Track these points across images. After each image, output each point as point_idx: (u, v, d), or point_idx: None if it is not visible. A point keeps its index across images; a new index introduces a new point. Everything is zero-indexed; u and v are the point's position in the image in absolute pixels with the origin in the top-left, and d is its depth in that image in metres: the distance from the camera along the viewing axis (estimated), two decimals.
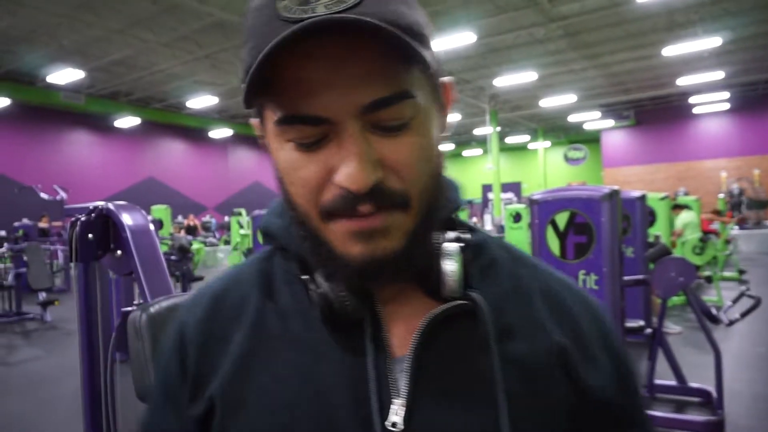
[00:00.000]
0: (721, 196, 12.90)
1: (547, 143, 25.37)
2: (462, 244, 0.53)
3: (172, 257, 7.82)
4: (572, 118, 21.04)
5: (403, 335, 0.53)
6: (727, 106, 18.47)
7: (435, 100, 0.51)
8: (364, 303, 0.52)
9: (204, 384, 0.55)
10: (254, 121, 0.57)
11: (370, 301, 0.53)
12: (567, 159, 23.44)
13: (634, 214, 5.28)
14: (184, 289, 8.20)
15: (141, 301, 1.78)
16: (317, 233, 0.50)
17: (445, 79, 0.55)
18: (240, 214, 15.63)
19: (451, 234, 0.54)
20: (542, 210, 3.35)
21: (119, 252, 1.75)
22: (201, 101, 15.96)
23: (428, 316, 0.51)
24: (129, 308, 1.61)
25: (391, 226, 0.48)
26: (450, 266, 0.52)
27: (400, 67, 0.45)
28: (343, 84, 0.44)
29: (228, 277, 0.63)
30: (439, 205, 0.53)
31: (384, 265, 0.48)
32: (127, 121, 16.92)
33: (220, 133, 19.81)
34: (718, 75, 14.61)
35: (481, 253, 0.58)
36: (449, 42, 10.73)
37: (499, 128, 19.48)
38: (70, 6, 9.42)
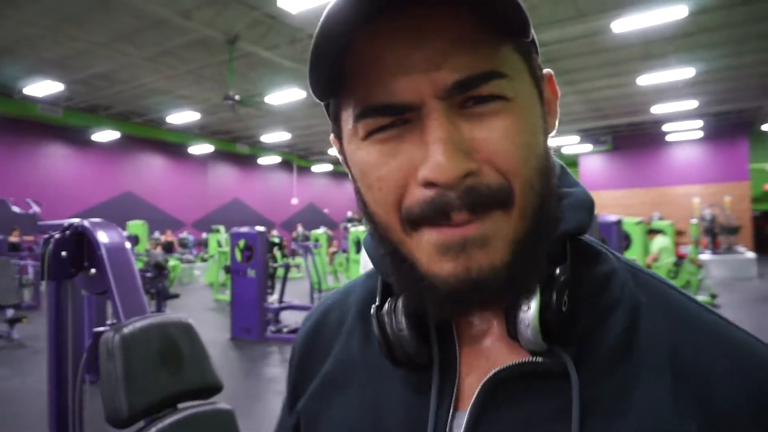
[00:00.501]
0: (694, 221, 13.21)
1: None
2: (562, 277, 0.42)
3: (148, 274, 7.68)
4: (551, 142, 21.37)
5: (474, 386, 0.44)
6: (700, 134, 19.05)
7: (535, 86, 0.44)
8: (432, 345, 0.46)
9: (298, 397, 0.56)
10: (332, 139, 0.50)
11: (446, 338, 0.47)
12: None
13: (610, 238, 5.38)
14: (159, 307, 8.04)
15: (114, 320, 1.74)
16: (399, 248, 0.42)
17: (547, 70, 0.48)
18: (218, 231, 15.47)
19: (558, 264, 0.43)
20: None
21: (93, 270, 1.72)
22: (182, 116, 15.86)
23: (492, 374, 0.43)
24: (101, 328, 1.57)
25: (489, 235, 0.39)
26: (527, 310, 0.41)
27: (491, 43, 0.39)
28: (423, 61, 0.38)
29: (343, 289, 0.61)
30: (552, 215, 0.43)
31: (481, 288, 0.39)
32: (106, 135, 16.70)
33: (201, 149, 19.67)
34: (692, 104, 15.10)
35: (601, 292, 0.44)
36: None
37: None
38: (55, 19, 9.35)
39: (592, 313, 0.43)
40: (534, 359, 0.41)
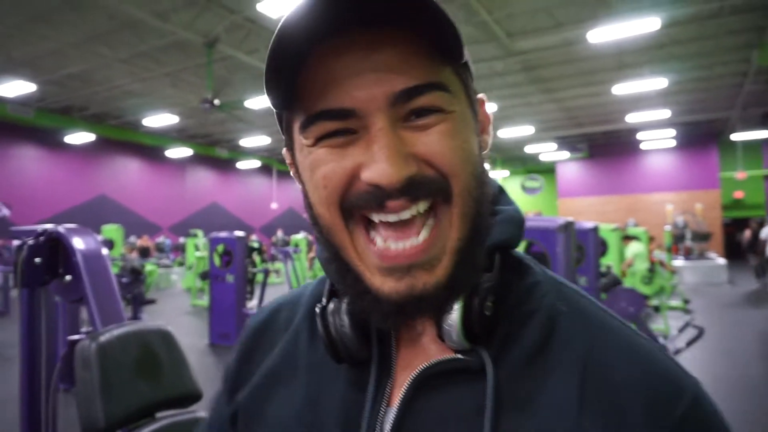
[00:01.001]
0: (668, 228, 13.49)
1: (506, 172, 26.03)
2: (486, 284, 0.45)
3: (123, 279, 7.53)
4: (529, 149, 21.70)
5: (404, 384, 0.47)
6: (672, 143, 19.51)
7: (470, 106, 0.48)
8: (371, 345, 0.49)
9: (238, 389, 0.58)
10: (284, 153, 0.52)
11: (384, 340, 0.50)
12: (524, 188, 24.07)
13: (587, 245, 5.45)
14: (135, 313, 7.88)
15: (90, 328, 1.70)
16: (342, 254, 0.45)
17: (480, 94, 0.52)
18: (196, 235, 15.27)
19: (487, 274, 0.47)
20: None
21: (69, 277, 1.67)
22: (159, 119, 15.63)
23: (419, 371, 0.46)
24: (76, 336, 1.54)
25: (435, 255, 0.43)
26: (452, 313, 0.45)
27: (433, 61, 0.42)
28: (372, 72, 0.41)
29: (297, 291, 0.63)
30: (486, 223, 0.47)
31: (424, 302, 0.43)
32: (80, 137, 16.35)
33: (178, 152, 19.40)
34: (665, 113, 15.45)
35: (524, 301, 0.48)
36: None
37: None
38: (24, 17, 9.13)
39: (514, 319, 0.47)
40: (456, 357, 0.45)
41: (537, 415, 0.42)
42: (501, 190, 0.55)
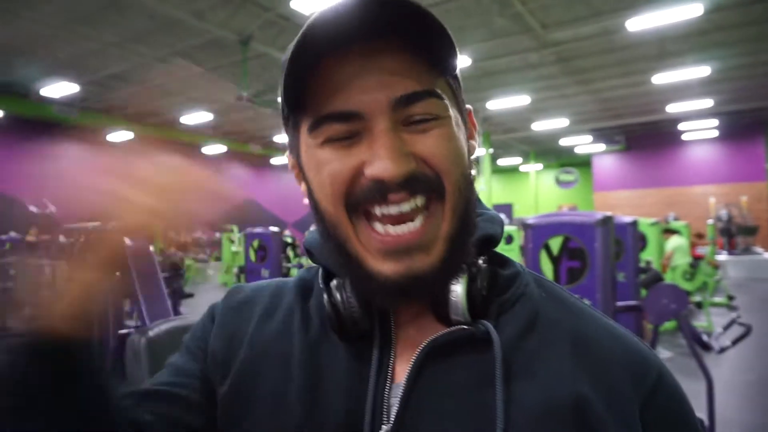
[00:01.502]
0: (710, 222, 13.05)
1: (539, 166, 25.61)
2: (482, 267, 0.51)
3: (164, 274, 7.76)
4: (564, 142, 21.28)
5: (408, 360, 0.50)
6: (715, 133, 18.80)
7: (459, 113, 0.53)
8: (374, 321, 0.52)
9: (228, 369, 0.58)
10: (287, 156, 0.58)
11: (385, 321, 0.53)
12: (558, 182, 23.63)
13: (626, 240, 5.32)
14: (174, 307, 8.11)
15: (138, 323, 1.76)
16: (346, 245, 0.49)
17: (467, 106, 0.57)
18: (231, 230, 15.56)
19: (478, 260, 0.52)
20: (536, 234, 3.38)
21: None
22: (195, 117, 15.98)
23: (428, 342, 0.49)
24: (125, 330, 1.59)
25: (430, 239, 0.47)
26: (456, 288, 0.49)
27: (429, 70, 0.47)
28: (375, 78, 0.45)
29: (274, 282, 0.66)
30: (473, 219, 0.52)
31: (421, 282, 0.47)
32: (120, 136, 16.87)
33: (214, 149, 19.80)
34: (707, 103, 14.91)
35: (509, 286, 0.54)
36: None
37: (491, 150, 19.64)
38: (69, 19, 9.46)
39: (504, 300, 0.53)
40: (462, 327, 0.49)
41: (539, 382, 0.47)
42: (477, 197, 0.59)
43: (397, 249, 0.46)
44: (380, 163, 0.45)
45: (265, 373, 0.55)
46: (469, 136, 0.55)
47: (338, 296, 0.52)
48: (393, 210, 0.47)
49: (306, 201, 0.55)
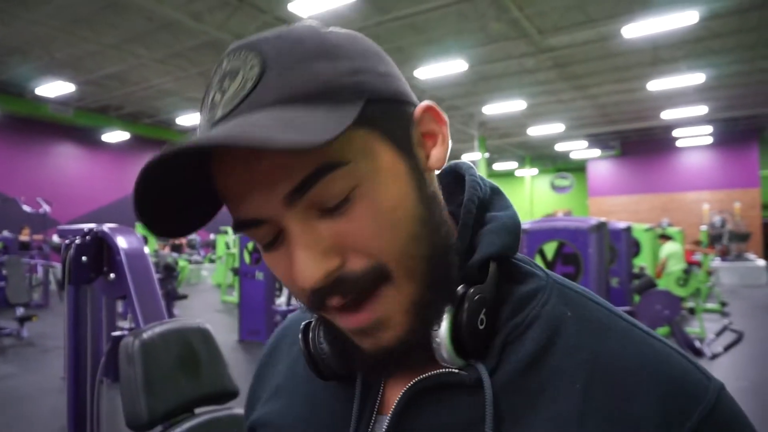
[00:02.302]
0: (704, 228, 13.13)
1: (535, 171, 25.69)
2: (475, 297, 0.44)
3: (157, 275, 7.73)
4: (559, 147, 21.36)
5: (397, 395, 0.47)
6: (709, 140, 18.93)
7: (391, 146, 0.43)
8: (348, 363, 0.48)
9: (253, 406, 0.60)
10: None
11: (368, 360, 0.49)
12: (554, 187, 23.72)
13: (619, 245, 5.35)
14: (168, 308, 8.07)
15: (131, 324, 1.76)
16: (324, 317, 0.46)
17: (422, 104, 0.46)
18: (226, 232, 15.53)
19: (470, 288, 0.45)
20: (531, 239, 3.40)
21: (113, 275, 1.74)
22: (192, 118, 15.95)
23: (411, 384, 0.46)
24: (119, 332, 1.59)
25: (382, 318, 0.42)
26: (437, 330, 0.43)
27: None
28: (259, 181, 0.39)
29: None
30: (449, 261, 0.45)
31: (396, 352, 0.43)
32: (116, 136, 16.83)
33: None
34: (702, 110, 15.01)
35: (524, 307, 0.46)
36: (441, 69, 10.91)
37: (487, 155, 19.70)
38: (67, 20, 9.43)
39: (512, 328, 0.45)
40: (450, 370, 0.44)
41: (536, 427, 0.41)
42: (495, 192, 0.52)
43: (356, 330, 0.43)
44: (296, 271, 0.40)
45: (277, 408, 0.56)
46: (432, 144, 0.46)
47: (311, 336, 0.50)
48: (352, 323, 0.43)
49: None
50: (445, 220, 0.46)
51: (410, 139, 0.44)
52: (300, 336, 0.51)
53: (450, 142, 0.48)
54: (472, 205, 0.48)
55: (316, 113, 0.38)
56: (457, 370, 0.44)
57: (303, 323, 0.52)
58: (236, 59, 0.42)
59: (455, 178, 0.53)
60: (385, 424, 0.46)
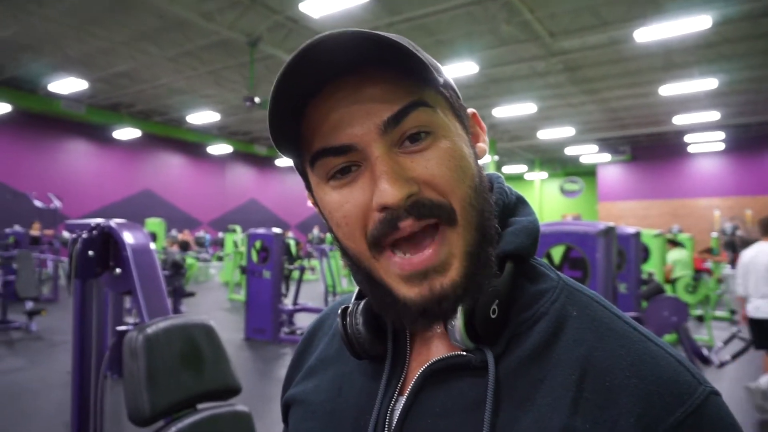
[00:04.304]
0: (714, 234, 13.00)
1: (544, 174, 25.58)
2: (489, 289, 0.48)
3: (165, 272, 7.77)
4: (569, 151, 21.25)
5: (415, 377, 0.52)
6: (721, 146, 18.75)
7: (458, 120, 0.52)
8: (386, 343, 0.54)
9: (287, 388, 0.66)
10: (307, 195, 0.59)
11: (402, 341, 0.55)
12: (563, 191, 23.60)
13: (628, 251, 5.30)
14: (175, 306, 8.12)
15: (137, 320, 1.77)
16: (371, 274, 0.51)
17: (469, 110, 0.57)
18: (235, 230, 15.61)
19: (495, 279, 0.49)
20: (539, 242, 3.37)
21: (119, 270, 1.75)
22: (202, 117, 16.05)
23: (426, 366, 0.50)
24: (124, 327, 1.60)
25: (444, 260, 0.47)
26: (456, 316, 0.48)
27: (412, 86, 0.48)
28: (361, 110, 0.46)
29: (347, 296, 0.68)
30: (492, 229, 0.51)
31: (444, 301, 0.47)
32: (127, 133, 16.96)
33: (219, 149, 19.87)
34: (714, 115, 14.87)
35: (534, 303, 0.51)
36: (451, 71, 10.89)
37: (497, 157, 19.64)
38: (80, 18, 9.53)
39: (521, 321, 0.50)
40: (460, 353, 0.49)
41: (532, 411, 0.45)
42: (520, 200, 0.58)
43: (414, 273, 0.47)
44: (381, 189, 0.45)
45: (310, 386, 0.61)
46: (475, 141, 0.55)
47: (348, 320, 0.55)
48: (410, 265, 0.47)
49: (310, 203, 0.57)
50: (491, 197, 0.54)
51: (467, 125, 0.55)
52: (338, 318, 0.56)
53: (488, 143, 0.58)
54: (496, 208, 0.54)
55: (422, 64, 0.47)
56: (465, 353, 0.49)
57: (340, 308, 0.57)
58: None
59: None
60: (402, 404, 0.51)
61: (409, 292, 0.48)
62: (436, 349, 0.53)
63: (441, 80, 0.51)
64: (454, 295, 0.47)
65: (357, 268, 0.52)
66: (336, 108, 0.47)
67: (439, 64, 0.53)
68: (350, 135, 0.47)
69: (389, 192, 0.45)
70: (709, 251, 10.16)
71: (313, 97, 0.48)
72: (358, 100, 0.47)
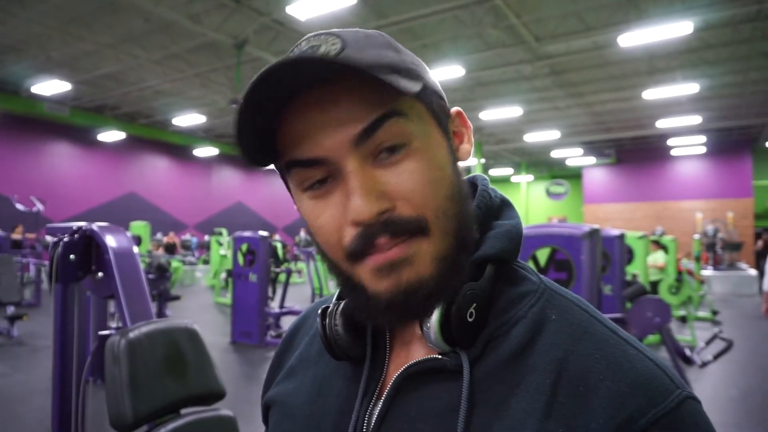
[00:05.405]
0: (697, 236, 13.18)
1: (530, 177, 25.76)
2: (468, 292, 0.48)
3: (150, 275, 7.69)
4: (555, 154, 21.43)
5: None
6: (703, 149, 19.05)
7: (437, 125, 0.51)
8: (365, 344, 0.54)
9: (268, 388, 0.66)
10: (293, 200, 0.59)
11: (381, 343, 0.54)
12: (549, 193, 23.78)
13: (613, 253, 5.36)
14: (160, 309, 8.04)
15: (119, 324, 1.75)
16: (349, 276, 0.50)
17: (453, 109, 0.55)
18: (220, 233, 15.49)
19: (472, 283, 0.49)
20: (523, 245, 3.39)
21: (101, 274, 1.73)
22: (188, 119, 15.93)
23: (402, 370, 0.50)
24: (106, 332, 1.58)
25: (413, 255, 0.46)
26: (433, 315, 0.47)
27: (384, 97, 0.46)
28: (333, 123, 0.45)
29: (328, 297, 0.68)
30: (470, 235, 0.50)
31: (410, 296, 0.47)
32: (112, 135, 16.78)
33: (205, 151, 19.73)
34: (696, 119, 15.11)
35: (512, 308, 0.50)
36: (438, 74, 10.93)
37: (483, 160, 19.75)
38: (63, 19, 9.42)
39: (499, 325, 0.49)
40: (435, 357, 0.49)
41: (507, 415, 0.44)
42: (504, 203, 0.58)
43: (384, 265, 0.46)
44: (353, 204, 0.45)
45: (289, 387, 0.61)
46: (459, 141, 0.54)
47: (327, 321, 0.55)
48: (384, 258, 0.47)
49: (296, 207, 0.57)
50: (470, 202, 0.53)
51: (448, 128, 0.53)
52: (318, 318, 0.56)
53: (473, 143, 0.57)
54: (479, 212, 0.54)
55: (390, 78, 0.44)
56: (441, 356, 0.48)
57: (321, 308, 0.57)
58: (316, 40, 0.49)
59: (471, 188, 0.58)
60: (378, 407, 0.51)
61: (378, 285, 0.47)
62: (414, 352, 0.52)
63: (419, 86, 0.49)
64: (422, 292, 0.47)
65: (334, 270, 0.52)
66: (308, 119, 0.46)
67: (421, 65, 0.52)
68: (323, 147, 0.46)
69: (361, 208, 0.45)
70: (689, 255, 10.28)
71: (285, 105, 0.47)
72: (329, 113, 0.46)
